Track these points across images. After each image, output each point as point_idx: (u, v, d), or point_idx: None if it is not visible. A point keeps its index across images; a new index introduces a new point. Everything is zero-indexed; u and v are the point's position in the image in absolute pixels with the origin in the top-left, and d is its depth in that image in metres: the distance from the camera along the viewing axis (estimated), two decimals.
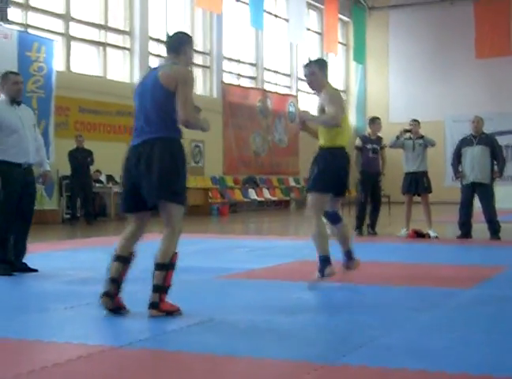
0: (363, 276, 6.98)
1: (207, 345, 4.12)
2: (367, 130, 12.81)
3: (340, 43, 29.37)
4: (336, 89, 6.62)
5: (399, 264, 8.24)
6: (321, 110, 6.37)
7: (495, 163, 11.24)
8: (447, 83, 28.71)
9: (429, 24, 29.01)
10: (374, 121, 12.45)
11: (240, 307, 5.34)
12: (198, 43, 21.77)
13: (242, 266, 7.83)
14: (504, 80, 27.78)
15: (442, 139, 25.80)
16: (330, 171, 6.35)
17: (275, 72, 25.80)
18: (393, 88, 29.86)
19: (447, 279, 6.76)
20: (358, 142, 12.32)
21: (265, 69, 24.99)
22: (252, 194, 23.00)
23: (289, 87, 26.45)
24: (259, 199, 23.28)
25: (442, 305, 5.39)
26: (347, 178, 6.50)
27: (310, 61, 6.58)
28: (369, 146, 12.12)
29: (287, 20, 24.95)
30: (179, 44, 5.24)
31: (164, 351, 4.02)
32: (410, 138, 11.88)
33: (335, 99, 6.34)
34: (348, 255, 6.70)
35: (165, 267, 4.93)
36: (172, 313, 4.92)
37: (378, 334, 4.32)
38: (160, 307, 4.89)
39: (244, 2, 22.93)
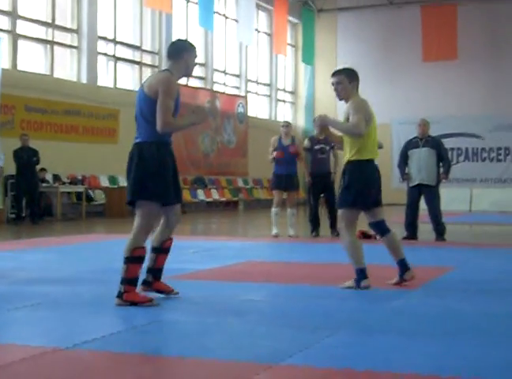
0: (315, 277, 7.01)
1: (154, 346, 4.10)
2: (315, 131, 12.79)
3: (289, 44, 29.50)
4: (364, 100, 6.44)
5: (345, 265, 8.28)
6: (347, 119, 6.28)
7: (441, 165, 11.39)
8: (394, 85, 29.03)
9: (377, 26, 29.32)
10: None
11: (188, 308, 5.32)
12: (147, 43, 21.65)
13: (190, 267, 7.80)
14: (450, 84, 28.20)
15: (388, 141, 26.07)
16: (358, 185, 6.24)
17: (224, 72, 25.78)
18: None
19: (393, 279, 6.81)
20: (306, 143, 12.32)
21: (214, 69, 24.97)
22: (200, 195, 22.96)
23: (238, 88, 26.46)
24: (208, 199, 23.24)
25: (388, 306, 5.43)
26: (376, 189, 6.37)
27: (339, 70, 6.48)
28: (317, 147, 12.11)
29: (236, 21, 24.97)
30: (178, 51, 5.46)
31: (110, 353, 3.97)
32: None
33: (360, 108, 6.23)
34: (402, 265, 6.40)
35: (126, 260, 5.27)
36: (139, 303, 5.20)
37: (323, 335, 4.34)
38: (123, 297, 5.19)
39: (194, 2, 22.87)
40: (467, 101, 27.97)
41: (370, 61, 29.36)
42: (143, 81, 5.58)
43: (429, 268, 7.77)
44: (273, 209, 12.20)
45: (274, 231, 12.13)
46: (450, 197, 19.83)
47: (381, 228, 6.48)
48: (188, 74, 5.61)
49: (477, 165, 28.03)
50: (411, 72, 28.65)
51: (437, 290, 6.26)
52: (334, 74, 6.41)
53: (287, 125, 12.48)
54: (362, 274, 6.19)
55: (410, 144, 11.53)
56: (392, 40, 29.00)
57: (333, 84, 6.39)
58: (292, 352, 3.92)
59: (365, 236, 11.61)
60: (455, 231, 12.56)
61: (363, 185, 6.25)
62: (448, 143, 20.00)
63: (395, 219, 15.12)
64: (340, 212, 6.40)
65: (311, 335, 4.36)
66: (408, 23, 28.34)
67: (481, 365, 3.68)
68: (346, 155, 6.36)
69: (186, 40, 5.62)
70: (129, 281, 5.24)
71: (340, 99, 6.43)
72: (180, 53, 5.40)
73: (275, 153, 12.09)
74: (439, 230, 11.27)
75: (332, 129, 6.57)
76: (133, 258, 5.25)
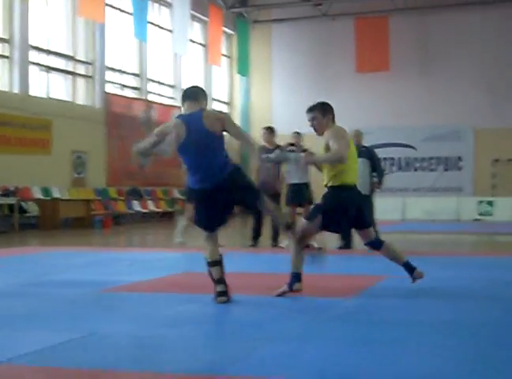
0: (247, 288, 7.03)
1: (89, 360, 4.05)
2: (263, 141, 12.79)
3: (224, 55, 29.55)
4: (341, 127, 6.58)
5: (282, 274, 8.32)
6: (326, 148, 6.41)
7: (374, 174, 11.54)
8: (329, 96, 29.12)
9: (311, 38, 29.59)
10: (272, 131, 12.54)
11: (124, 320, 5.28)
12: (80, 53, 21.43)
13: (125, 279, 7.74)
14: (383, 95, 28.60)
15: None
16: (329, 209, 6.39)
17: (159, 83, 25.69)
18: (277, 100, 30.27)
19: (329, 289, 6.88)
20: None
21: (149, 79, 24.86)
22: (136, 206, 22.79)
23: (173, 98, 26.39)
24: (143, 211, 23.08)
25: (323, 315, 5.48)
26: (354, 213, 6.44)
27: (312, 106, 6.61)
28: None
29: (171, 32, 24.91)
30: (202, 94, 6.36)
31: (44, 367, 3.91)
32: (293, 151, 12.01)
33: (339, 135, 6.39)
34: (407, 266, 6.59)
35: None
36: None
37: (260, 345, 4.36)
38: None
39: (127, 13, 22.73)
40: (399, 112, 28.40)
41: (304, 72, 29.63)
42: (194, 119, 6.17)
43: (364, 276, 7.86)
44: (183, 221, 12.30)
45: (179, 240, 12.19)
46: (384, 206, 20.06)
47: (375, 246, 6.71)
48: None
49: (410, 175, 28.47)
50: (345, 83, 28.97)
51: (371, 298, 6.34)
52: (308, 111, 6.61)
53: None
54: (296, 277, 6.36)
55: None
56: (326, 51, 29.30)
57: (308, 120, 6.59)
58: (229, 363, 3.92)
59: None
60: (389, 240, 12.71)
61: (334, 210, 6.38)
62: (381, 153, 20.24)
63: None
64: (304, 222, 6.52)
65: (248, 346, 4.36)
66: (341, 34, 28.69)
67: (413, 373, 3.74)
68: (325, 181, 6.52)
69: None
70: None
71: (319, 134, 6.61)
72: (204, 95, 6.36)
73: None
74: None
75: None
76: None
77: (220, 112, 6.60)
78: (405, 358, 4.07)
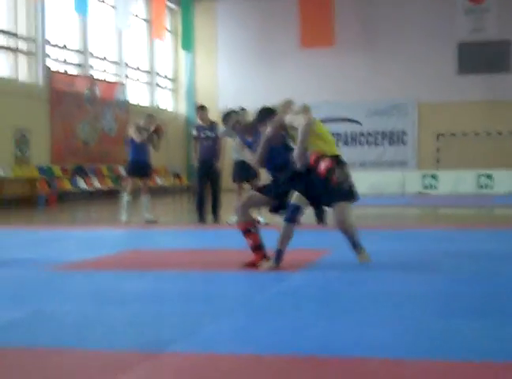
0: (196, 263, 7.02)
1: (33, 338, 4.00)
2: (198, 119, 12.79)
3: (168, 30, 29.28)
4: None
5: (229, 250, 8.33)
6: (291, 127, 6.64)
7: None
8: (274, 72, 29.30)
9: (255, 13, 29.47)
10: (205, 110, 12.53)
11: (70, 299, 5.23)
12: (21, 29, 20.99)
13: (71, 257, 7.66)
14: (327, 70, 28.68)
15: None
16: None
17: (103, 59, 25.35)
18: (222, 76, 30.14)
19: None
20: (194, 132, 12.42)
21: (93, 56, 24.50)
22: (81, 183, 22.54)
23: (118, 75, 26.08)
24: (88, 188, 22.85)
25: (271, 290, 5.50)
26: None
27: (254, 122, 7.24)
28: (203, 135, 12.21)
29: (113, 7, 24.56)
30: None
31: None
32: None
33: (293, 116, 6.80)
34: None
35: None
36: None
37: (208, 321, 4.36)
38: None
39: None
40: (344, 87, 28.53)
41: (250, 47, 29.53)
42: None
43: (309, 251, 7.90)
44: (126, 196, 12.38)
45: (124, 217, 12.27)
46: None
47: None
48: None
49: (356, 149, 28.68)
50: (289, 58, 28.96)
51: (316, 271, 6.38)
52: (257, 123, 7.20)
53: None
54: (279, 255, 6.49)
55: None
56: (271, 27, 29.22)
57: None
58: (176, 339, 3.91)
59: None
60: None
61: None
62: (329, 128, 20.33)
63: None
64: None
65: (196, 322, 4.36)
66: (285, 10, 28.62)
67: (361, 344, 3.78)
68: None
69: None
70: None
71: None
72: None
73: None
74: (319, 214, 11.48)
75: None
76: None
77: None
78: (353, 330, 4.10)
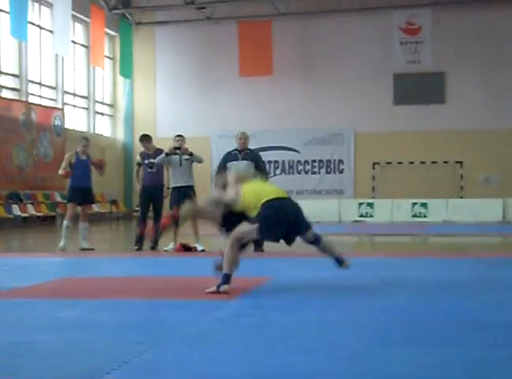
0: (130, 291, 6.95)
1: None
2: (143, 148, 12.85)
3: (107, 56, 29.15)
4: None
5: (166, 277, 8.29)
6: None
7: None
8: (213, 99, 29.39)
9: (195, 41, 29.57)
10: (149, 139, 12.68)
11: (1, 328, 5.11)
12: None
13: (3, 285, 7.50)
14: (266, 99, 28.89)
15: (208, 154, 26.37)
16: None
17: (40, 84, 25.09)
18: (161, 103, 30.10)
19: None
20: (138, 158, 12.62)
21: (29, 80, 24.22)
22: (16, 210, 22.17)
23: (55, 100, 25.83)
24: (23, 215, 22.48)
25: (206, 318, 5.47)
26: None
27: None
28: (146, 161, 12.39)
29: (52, 32, 24.37)
30: None
31: None
32: (176, 154, 12.03)
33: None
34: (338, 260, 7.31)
35: None
36: None
37: (143, 349, 4.31)
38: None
39: (5, 12, 22.05)
40: (282, 116, 28.78)
41: (189, 74, 29.58)
42: None
43: (248, 278, 7.89)
44: (65, 222, 12.21)
45: (62, 244, 12.14)
46: None
47: (315, 243, 7.36)
48: None
49: (293, 177, 28.89)
50: (229, 86, 29.10)
51: (253, 300, 6.38)
52: None
53: None
54: (227, 279, 6.62)
55: (229, 157, 11.71)
56: (210, 55, 29.34)
57: None
58: (110, 368, 3.86)
59: (186, 248, 11.70)
60: (273, 244, 12.84)
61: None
62: (265, 156, 20.47)
63: (214, 232, 15.21)
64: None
65: (129, 351, 4.31)
66: (225, 38, 28.79)
67: (295, 372, 3.79)
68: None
69: None
70: None
71: None
72: None
73: (64, 172, 12.28)
74: (258, 241, 11.48)
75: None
76: None
77: None
78: (288, 358, 4.11)
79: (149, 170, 12.30)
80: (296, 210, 7.05)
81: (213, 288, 6.57)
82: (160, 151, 12.38)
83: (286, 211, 6.93)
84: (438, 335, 4.77)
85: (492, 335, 4.73)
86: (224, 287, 6.56)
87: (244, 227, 6.80)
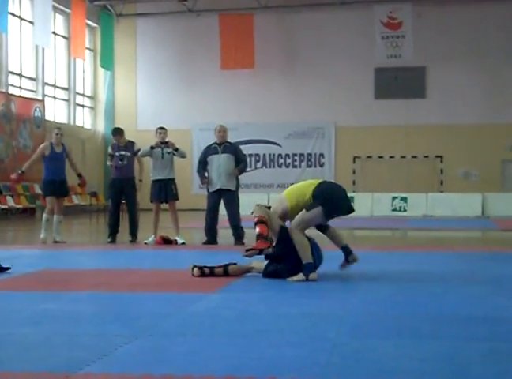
0: (112, 284, 6.93)
1: None
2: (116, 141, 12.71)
3: (87, 48, 28.99)
4: None
5: (147, 270, 8.28)
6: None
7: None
8: (194, 92, 29.33)
9: (177, 33, 29.48)
10: (122, 133, 12.49)
11: None
12: None
13: None
14: (247, 92, 28.89)
15: (189, 147, 26.33)
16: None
17: (20, 75, 24.91)
18: (142, 95, 30.00)
19: (193, 284, 6.89)
20: (110, 150, 12.39)
21: (10, 72, 24.05)
22: None
23: (35, 91, 25.67)
24: (3, 207, 22.34)
25: (187, 310, 5.48)
26: None
27: None
28: (117, 153, 12.18)
29: (32, 23, 24.20)
30: None
31: None
32: (159, 147, 11.97)
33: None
34: (345, 250, 7.65)
35: None
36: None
37: (123, 342, 4.31)
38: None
39: None
40: (263, 109, 28.79)
41: (170, 67, 29.51)
42: None
43: None
44: (45, 215, 12.21)
45: (42, 236, 12.12)
46: (249, 202, 20.29)
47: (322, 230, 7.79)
48: None
49: (274, 171, 28.92)
50: (210, 79, 29.05)
51: (233, 293, 6.40)
52: None
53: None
54: (311, 267, 6.98)
55: (209, 150, 11.69)
56: (191, 47, 29.26)
57: None
58: (90, 360, 3.86)
59: (166, 241, 11.68)
60: (253, 235, 12.86)
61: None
62: (246, 149, 20.48)
63: (195, 225, 15.29)
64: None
65: (109, 343, 4.31)
66: (207, 31, 28.72)
67: (276, 364, 3.80)
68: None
69: None
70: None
71: None
72: None
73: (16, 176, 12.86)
74: (238, 234, 11.51)
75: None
76: None
77: None
78: (268, 350, 4.12)
79: (120, 162, 12.19)
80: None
81: (302, 276, 6.91)
82: (130, 143, 12.33)
83: (339, 186, 7.43)
84: (417, 328, 4.80)
85: (471, 329, 4.77)
86: (313, 275, 6.93)
87: (304, 216, 7.14)
